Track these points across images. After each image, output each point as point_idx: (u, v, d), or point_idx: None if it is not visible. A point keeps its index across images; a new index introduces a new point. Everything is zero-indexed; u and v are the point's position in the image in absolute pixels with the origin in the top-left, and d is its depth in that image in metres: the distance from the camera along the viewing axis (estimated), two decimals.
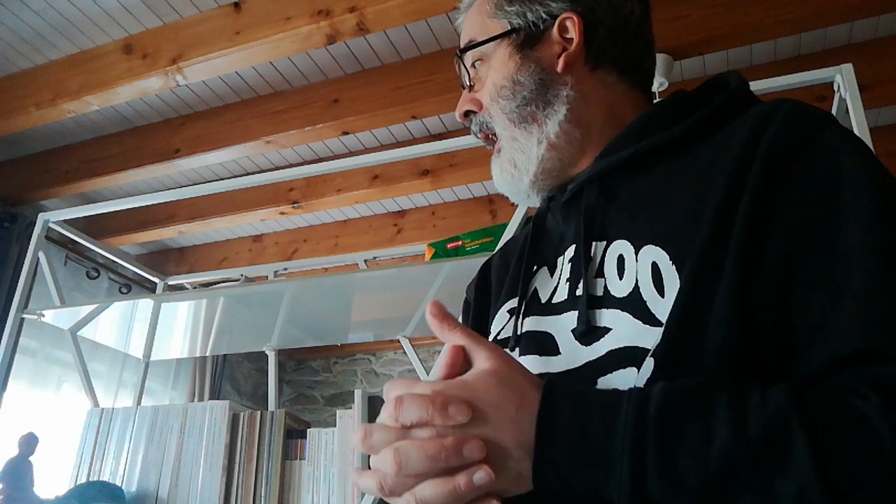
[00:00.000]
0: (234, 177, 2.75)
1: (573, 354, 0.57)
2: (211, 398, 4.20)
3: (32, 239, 1.76)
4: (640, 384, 0.50)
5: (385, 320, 1.75)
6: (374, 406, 1.36)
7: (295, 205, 3.20)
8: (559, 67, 0.69)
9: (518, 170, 0.69)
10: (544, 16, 0.70)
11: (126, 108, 2.78)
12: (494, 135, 0.72)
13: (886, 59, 2.35)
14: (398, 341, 1.75)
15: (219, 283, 2.36)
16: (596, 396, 0.46)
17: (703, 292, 0.50)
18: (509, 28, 0.71)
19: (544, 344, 0.60)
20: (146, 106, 2.78)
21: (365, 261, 2.25)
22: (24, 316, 1.68)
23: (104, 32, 2.36)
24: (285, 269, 2.24)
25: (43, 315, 1.71)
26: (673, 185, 0.59)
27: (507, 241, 0.86)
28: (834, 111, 1.16)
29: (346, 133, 2.67)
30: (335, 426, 1.38)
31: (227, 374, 4.50)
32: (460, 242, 1.47)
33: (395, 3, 1.93)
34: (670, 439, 0.42)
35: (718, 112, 0.61)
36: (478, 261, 1.31)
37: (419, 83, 2.47)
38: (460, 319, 0.85)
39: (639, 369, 0.51)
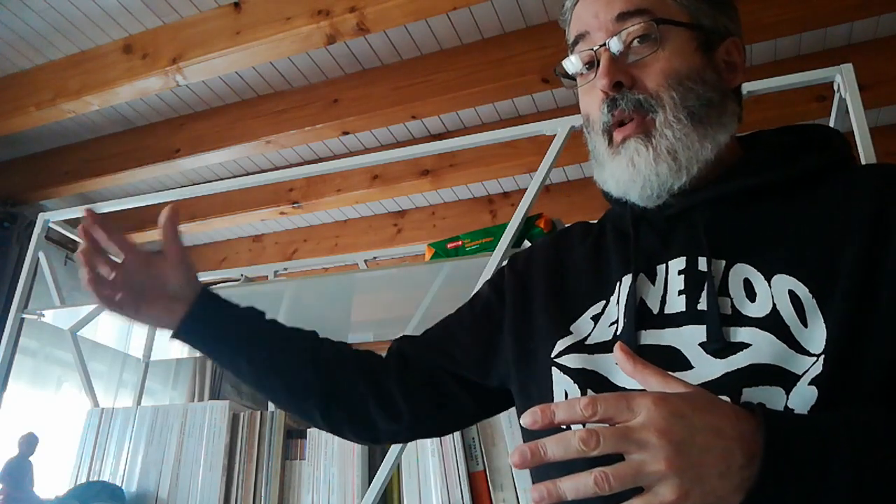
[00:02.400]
0: (234, 177, 2.75)
1: (708, 367, 0.59)
2: (211, 398, 4.20)
3: (32, 239, 1.76)
4: (797, 408, 0.54)
5: (385, 320, 1.75)
6: None
7: (295, 205, 3.20)
8: (732, 83, 0.72)
9: (677, 164, 0.66)
10: (722, 29, 0.72)
11: (126, 108, 2.78)
12: (635, 115, 0.67)
13: (886, 59, 2.35)
14: None
15: (219, 283, 2.36)
16: (807, 419, 0.51)
17: (859, 329, 0.55)
18: (694, 22, 0.70)
19: (673, 359, 0.61)
20: (146, 106, 2.78)
21: (365, 261, 2.25)
22: (24, 316, 1.68)
23: (104, 32, 2.36)
24: (285, 269, 2.24)
25: (43, 315, 1.71)
26: (794, 221, 0.63)
27: (550, 241, 0.83)
28: (834, 111, 1.16)
29: (346, 133, 2.67)
30: None
31: (227, 374, 4.50)
32: (460, 242, 1.47)
33: (395, 3, 1.93)
34: (886, 463, 0.46)
35: (833, 163, 0.67)
36: (478, 261, 1.31)
37: (419, 83, 2.47)
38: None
39: (787, 392, 0.55)
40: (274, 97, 2.70)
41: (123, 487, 1.48)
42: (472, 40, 2.41)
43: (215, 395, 4.27)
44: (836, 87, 1.14)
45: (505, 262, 0.86)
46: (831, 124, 1.17)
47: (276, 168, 3.17)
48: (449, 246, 1.47)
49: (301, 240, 3.74)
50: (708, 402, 0.47)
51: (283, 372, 0.81)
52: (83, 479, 1.53)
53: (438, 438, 1.25)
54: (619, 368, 0.52)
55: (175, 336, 0.80)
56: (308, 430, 1.42)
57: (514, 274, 0.81)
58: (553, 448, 0.45)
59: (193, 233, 3.65)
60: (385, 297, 1.58)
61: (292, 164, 3.16)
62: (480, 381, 0.79)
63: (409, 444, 1.25)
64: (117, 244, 0.78)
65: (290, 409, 0.85)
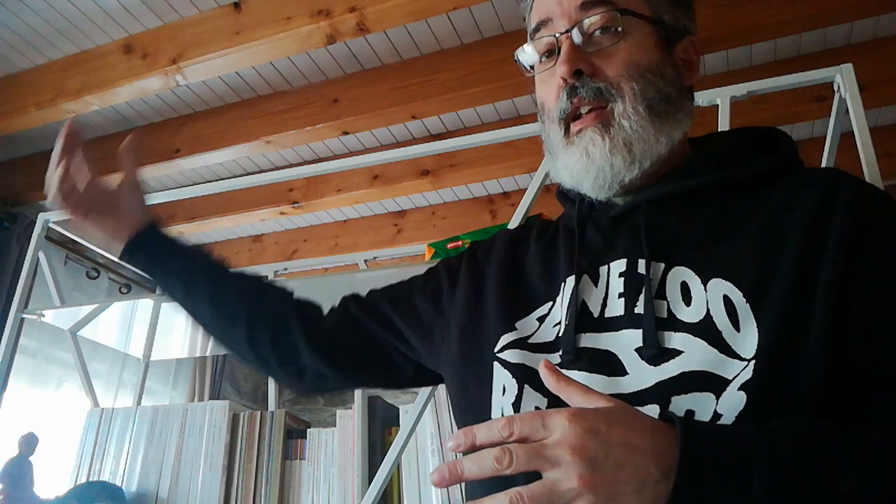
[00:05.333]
0: (234, 177, 2.75)
1: (642, 374, 0.58)
2: (211, 398, 4.20)
3: (32, 239, 1.76)
4: (726, 413, 0.53)
5: None
6: (373, 406, 1.36)
7: (295, 205, 3.20)
8: (688, 82, 0.72)
9: (633, 155, 0.65)
10: (681, 28, 0.72)
11: (126, 108, 2.78)
12: (594, 103, 0.67)
13: (886, 59, 2.35)
14: None
15: None
16: (727, 431, 0.49)
17: (791, 335, 0.54)
18: (656, 17, 0.70)
19: (608, 363, 0.60)
20: (146, 106, 2.78)
21: (365, 261, 2.25)
22: (24, 316, 1.68)
23: (104, 32, 2.36)
24: (285, 269, 2.24)
25: (43, 315, 1.71)
26: (735, 224, 0.63)
27: (509, 236, 0.82)
28: (834, 111, 1.16)
29: (346, 133, 2.67)
30: (335, 426, 1.38)
31: (227, 374, 4.50)
32: (460, 242, 1.47)
33: (395, 3, 1.93)
34: (804, 477, 0.45)
35: (779, 166, 0.66)
36: None
37: (419, 83, 2.47)
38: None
39: (717, 396, 0.54)
40: (274, 97, 2.70)
41: (123, 487, 1.48)
42: (472, 40, 2.41)
43: (215, 395, 4.27)
44: (836, 87, 1.14)
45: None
46: (831, 124, 1.17)
47: (276, 168, 3.17)
48: (449, 246, 1.48)
49: (301, 240, 3.74)
50: (625, 417, 0.47)
51: (217, 300, 0.84)
52: (83, 479, 1.53)
53: (439, 439, 1.25)
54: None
55: (122, 251, 0.84)
56: (308, 430, 1.42)
57: (471, 265, 0.80)
58: (469, 467, 0.46)
59: (193, 233, 3.65)
60: None
61: (292, 164, 3.16)
62: (417, 359, 0.81)
63: (409, 443, 1.24)
64: (82, 163, 0.85)
65: (220, 338, 0.87)
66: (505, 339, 0.68)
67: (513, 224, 1.28)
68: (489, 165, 2.87)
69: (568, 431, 0.44)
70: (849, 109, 1.09)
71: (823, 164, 1.21)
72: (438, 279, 0.82)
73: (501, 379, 0.66)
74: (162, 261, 0.85)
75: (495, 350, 0.68)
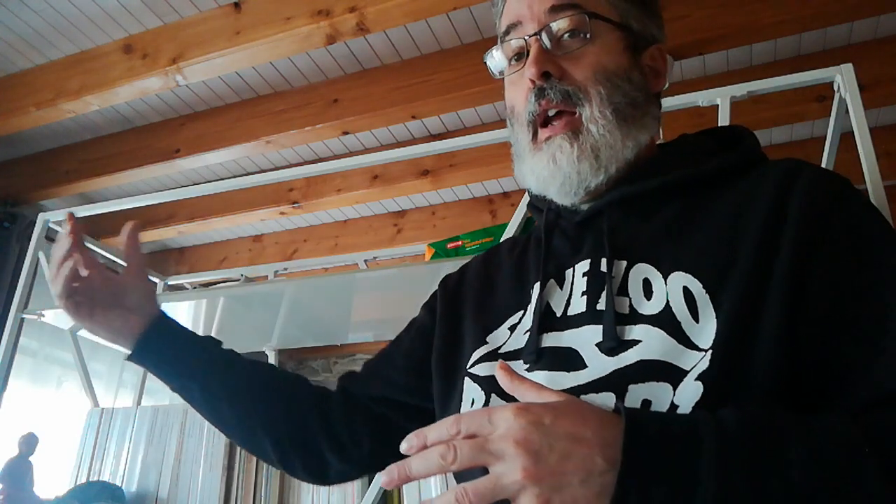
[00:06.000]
0: (234, 177, 2.75)
1: (600, 365, 0.59)
2: None
3: (32, 239, 1.76)
4: (682, 404, 0.53)
5: (385, 320, 1.75)
6: None
7: (295, 205, 3.20)
8: (655, 88, 0.73)
9: (599, 161, 0.66)
10: (649, 35, 0.73)
11: (126, 108, 2.78)
12: (562, 108, 0.67)
13: (886, 59, 2.35)
14: None
15: (219, 283, 2.36)
16: (675, 420, 0.49)
17: (748, 325, 0.54)
18: (624, 23, 0.70)
19: (569, 359, 0.61)
20: (146, 106, 2.78)
21: (365, 261, 2.25)
22: (24, 316, 1.68)
23: (104, 32, 2.36)
24: (285, 269, 2.24)
25: (43, 315, 1.71)
26: (697, 220, 0.63)
27: (481, 258, 0.84)
28: (834, 111, 1.16)
29: (346, 133, 2.67)
30: None
31: None
32: (460, 242, 1.47)
33: (395, 3, 1.93)
34: (752, 465, 0.44)
35: (739, 162, 0.67)
36: None
37: (419, 83, 2.47)
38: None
39: (674, 387, 0.54)
40: (274, 97, 2.70)
41: (123, 487, 1.48)
42: (472, 40, 2.41)
43: None
44: (836, 87, 1.14)
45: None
46: (831, 124, 1.17)
47: (276, 168, 3.17)
48: (449, 246, 1.48)
49: (301, 240, 3.74)
50: (572, 409, 0.47)
51: (236, 403, 0.80)
52: (83, 479, 1.53)
53: None
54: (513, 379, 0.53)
55: (133, 352, 0.80)
56: None
57: (445, 294, 0.82)
58: (416, 465, 0.46)
59: (193, 233, 3.65)
60: (385, 297, 1.58)
61: (292, 164, 3.16)
62: (422, 405, 0.79)
63: None
64: (83, 257, 0.79)
65: (241, 440, 0.85)
66: (477, 354, 0.69)
67: (512, 224, 1.28)
68: (489, 165, 2.87)
69: (512, 425, 0.44)
70: (849, 109, 1.09)
71: (823, 164, 1.21)
72: (422, 319, 0.84)
73: (471, 392, 0.66)
74: (175, 364, 0.81)
75: (468, 366, 0.69)
